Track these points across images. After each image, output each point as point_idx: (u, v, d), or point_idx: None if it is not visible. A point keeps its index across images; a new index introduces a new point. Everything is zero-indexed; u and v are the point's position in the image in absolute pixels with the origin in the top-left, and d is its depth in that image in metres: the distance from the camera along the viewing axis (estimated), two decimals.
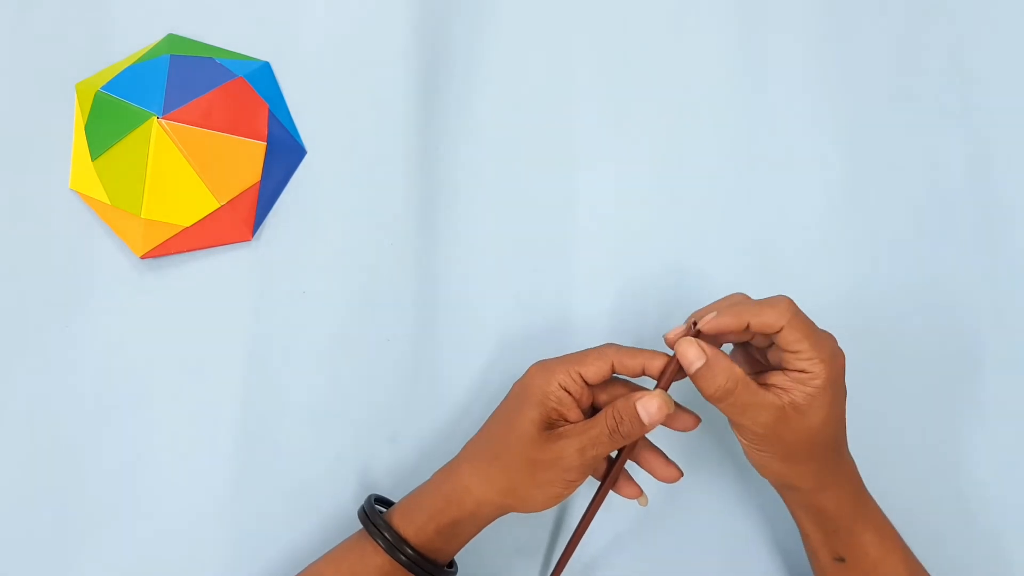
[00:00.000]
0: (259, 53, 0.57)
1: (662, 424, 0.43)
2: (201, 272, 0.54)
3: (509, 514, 0.45)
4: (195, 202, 0.53)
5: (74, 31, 0.57)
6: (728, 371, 0.40)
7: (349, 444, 0.52)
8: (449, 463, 0.45)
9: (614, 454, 0.46)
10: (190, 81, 0.54)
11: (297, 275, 0.54)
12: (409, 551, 0.42)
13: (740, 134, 0.57)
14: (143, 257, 0.53)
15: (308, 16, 0.58)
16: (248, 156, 0.54)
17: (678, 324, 0.43)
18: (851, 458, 0.44)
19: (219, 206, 0.53)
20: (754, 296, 0.43)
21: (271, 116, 0.55)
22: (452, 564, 0.46)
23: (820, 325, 0.52)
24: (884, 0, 0.60)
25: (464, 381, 0.53)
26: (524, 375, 0.44)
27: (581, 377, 0.43)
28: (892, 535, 0.44)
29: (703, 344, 0.40)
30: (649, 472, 0.46)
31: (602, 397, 0.45)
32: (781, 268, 0.55)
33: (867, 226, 0.56)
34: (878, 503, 0.45)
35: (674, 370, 0.42)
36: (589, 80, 0.58)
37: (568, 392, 0.43)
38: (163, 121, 0.52)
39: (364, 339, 0.54)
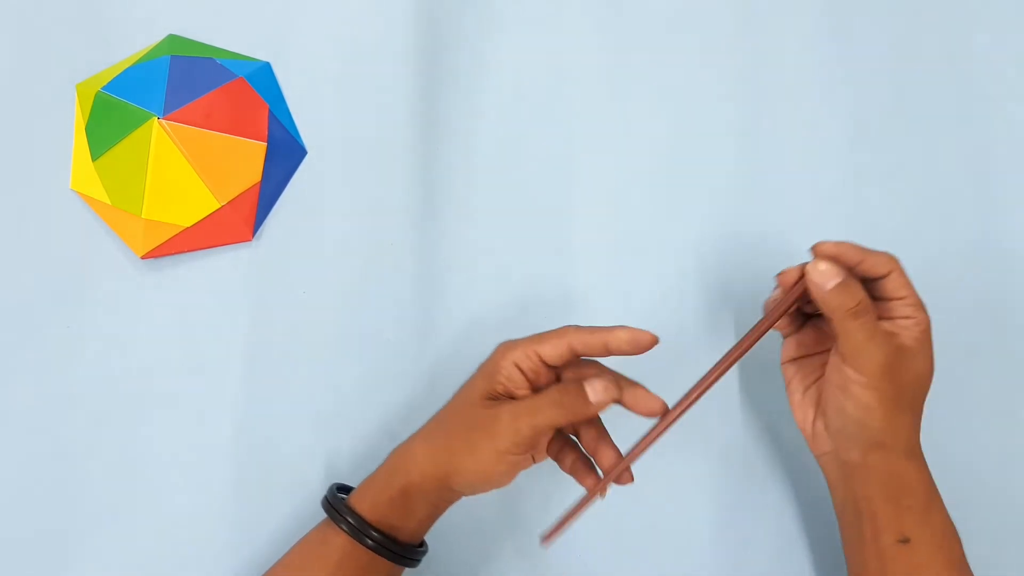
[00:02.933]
0: (259, 53, 0.57)
1: (630, 409, 0.42)
2: (201, 272, 0.54)
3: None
4: (195, 202, 0.53)
5: (74, 31, 0.57)
6: (861, 289, 0.41)
7: (349, 444, 0.52)
8: (390, 454, 0.45)
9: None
10: (190, 81, 0.54)
11: (297, 275, 0.54)
12: (375, 534, 0.42)
13: (740, 134, 0.57)
14: (143, 257, 0.53)
15: (308, 16, 0.58)
16: (248, 156, 0.54)
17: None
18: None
19: (219, 206, 0.53)
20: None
21: (271, 116, 0.55)
22: (422, 545, 0.46)
23: None
24: (884, 0, 0.60)
25: (464, 381, 0.53)
26: (497, 347, 0.44)
27: (539, 356, 0.42)
28: (951, 522, 0.43)
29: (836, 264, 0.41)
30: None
31: (568, 375, 0.45)
32: (781, 267, 0.55)
33: (867, 225, 0.56)
34: None
35: (795, 296, 0.43)
36: (589, 79, 0.58)
37: (521, 370, 0.42)
38: (164, 121, 0.52)
39: (364, 339, 0.54)
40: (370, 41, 0.58)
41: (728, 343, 0.54)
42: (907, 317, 0.42)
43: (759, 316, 0.45)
